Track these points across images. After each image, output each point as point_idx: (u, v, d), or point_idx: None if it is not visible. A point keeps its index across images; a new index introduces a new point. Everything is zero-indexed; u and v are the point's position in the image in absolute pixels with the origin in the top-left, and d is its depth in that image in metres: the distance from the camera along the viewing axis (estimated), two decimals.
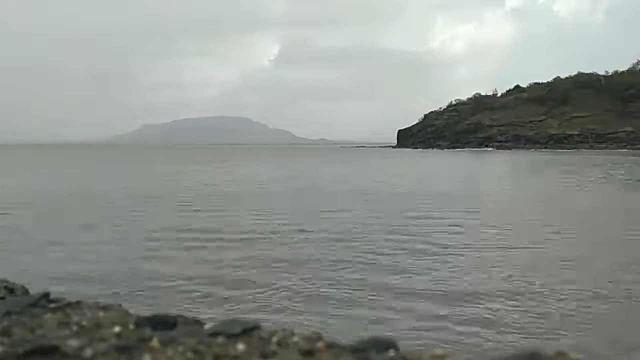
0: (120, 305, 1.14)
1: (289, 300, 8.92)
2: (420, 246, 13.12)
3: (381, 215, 18.45)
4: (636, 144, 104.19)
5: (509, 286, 9.64)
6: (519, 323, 7.80)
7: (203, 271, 10.77)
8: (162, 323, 1.00)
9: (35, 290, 1.27)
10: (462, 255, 12.25)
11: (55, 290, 1.24)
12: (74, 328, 1.01)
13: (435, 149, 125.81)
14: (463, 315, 8.14)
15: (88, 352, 0.88)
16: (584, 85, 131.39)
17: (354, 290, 9.45)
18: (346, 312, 8.32)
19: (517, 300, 8.87)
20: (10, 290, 1.31)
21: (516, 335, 7.36)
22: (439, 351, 0.86)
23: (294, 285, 9.75)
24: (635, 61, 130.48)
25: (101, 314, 1.09)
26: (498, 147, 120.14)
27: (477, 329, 7.58)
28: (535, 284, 9.73)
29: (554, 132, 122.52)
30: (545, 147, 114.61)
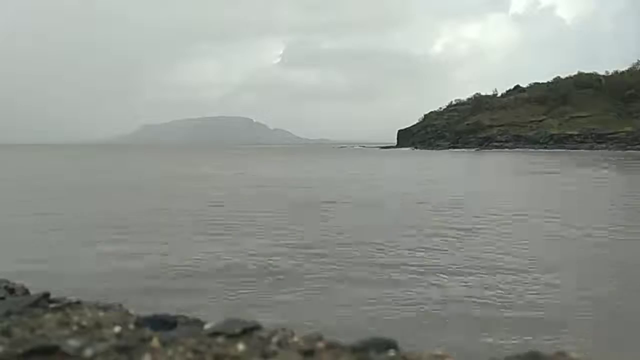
0: (120, 305, 1.14)
1: (290, 299, 8.92)
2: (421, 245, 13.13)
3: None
4: (636, 144, 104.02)
5: (508, 286, 9.64)
6: (519, 323, 7.80)
7: (203, 271, 10.76)
8: (162, 323, 1.00)
9: (35, 290, 1.27)
10: (459, 253, 12.25)
11: (55, 290, 1.24)
12: (74, 328, 1.01)
13: (435, 149, 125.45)
14: (463, 315, 8.14)
15: (88, 352, 0.88)
16: (584, 85, 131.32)
17: (354, 288, 9.45)
18: (347, 311, 8.32)
19: (516, 300, 8.87)
20: (11, 290, 1.31)
21: (516, 335, 7.35)
22: (439, 351, 0.86)
23: (295, 283, 9.74)
24: (636, 61, 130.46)
25: (101, 314, 1.09)
26: (498, 147, 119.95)
27: (478, 329, 7.58)
28: (534, 284, 9.73)
29: (554, 132, 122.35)
30: (545, 147, 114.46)
